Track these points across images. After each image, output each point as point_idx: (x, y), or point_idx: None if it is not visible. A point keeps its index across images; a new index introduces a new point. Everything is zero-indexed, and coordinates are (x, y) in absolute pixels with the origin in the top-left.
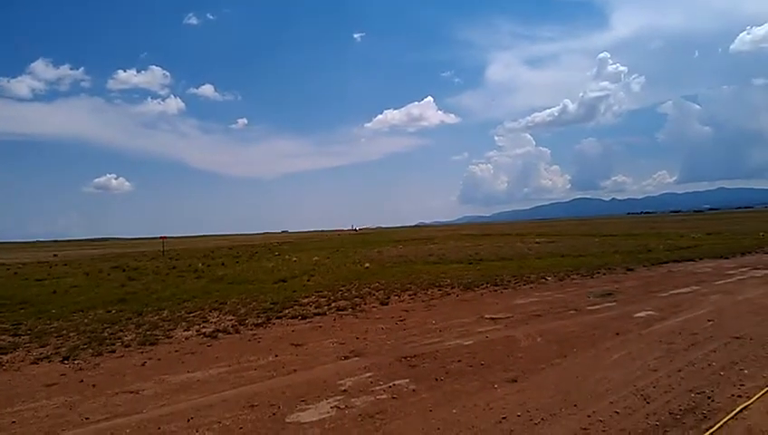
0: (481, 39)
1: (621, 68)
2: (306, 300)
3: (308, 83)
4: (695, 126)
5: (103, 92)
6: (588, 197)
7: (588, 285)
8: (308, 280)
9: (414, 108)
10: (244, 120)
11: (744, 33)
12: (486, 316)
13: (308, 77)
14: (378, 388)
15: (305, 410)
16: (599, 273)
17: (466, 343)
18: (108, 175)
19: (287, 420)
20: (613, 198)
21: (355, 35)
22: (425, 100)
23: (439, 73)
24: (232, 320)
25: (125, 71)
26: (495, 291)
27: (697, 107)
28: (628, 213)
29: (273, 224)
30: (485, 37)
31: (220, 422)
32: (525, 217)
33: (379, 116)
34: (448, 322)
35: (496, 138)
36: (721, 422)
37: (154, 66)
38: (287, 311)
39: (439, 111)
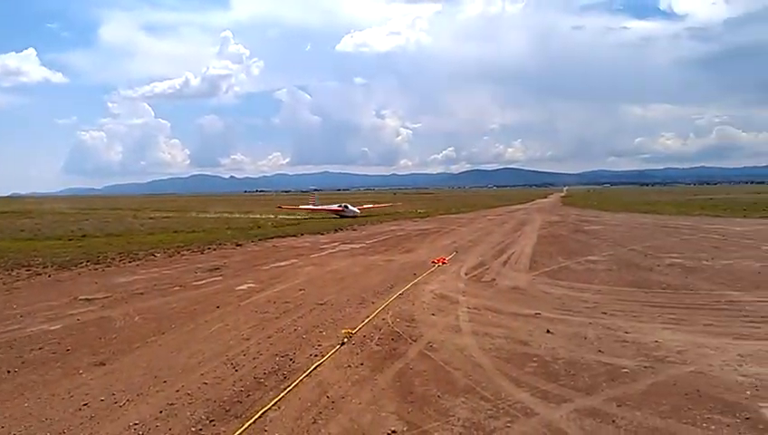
0: None
1: (243, 50)
2: None
3: None
4: (305, 114)
5: None
6: (207, 173)
7: (197, 260)
8: None
9: (10, 59)
10: None
11: (348, 35)
12: (81, 297)
13: None
14: None
15: None
16: (209, 248)
17: (53, 328)
18: None
19: None
20: (232, 176)
21: None
22: (24, 52)
23: (45, 24)
24: None
25: None
26: (96, 269)
27: (308, 97)
28: (245, 191)
29: None
30: None
31: None
32: (142, 192)
33: None
34: (34, 305)
35: (110, 104)
36: (297, 380)
37: None
38: None
39: (42, 67)
